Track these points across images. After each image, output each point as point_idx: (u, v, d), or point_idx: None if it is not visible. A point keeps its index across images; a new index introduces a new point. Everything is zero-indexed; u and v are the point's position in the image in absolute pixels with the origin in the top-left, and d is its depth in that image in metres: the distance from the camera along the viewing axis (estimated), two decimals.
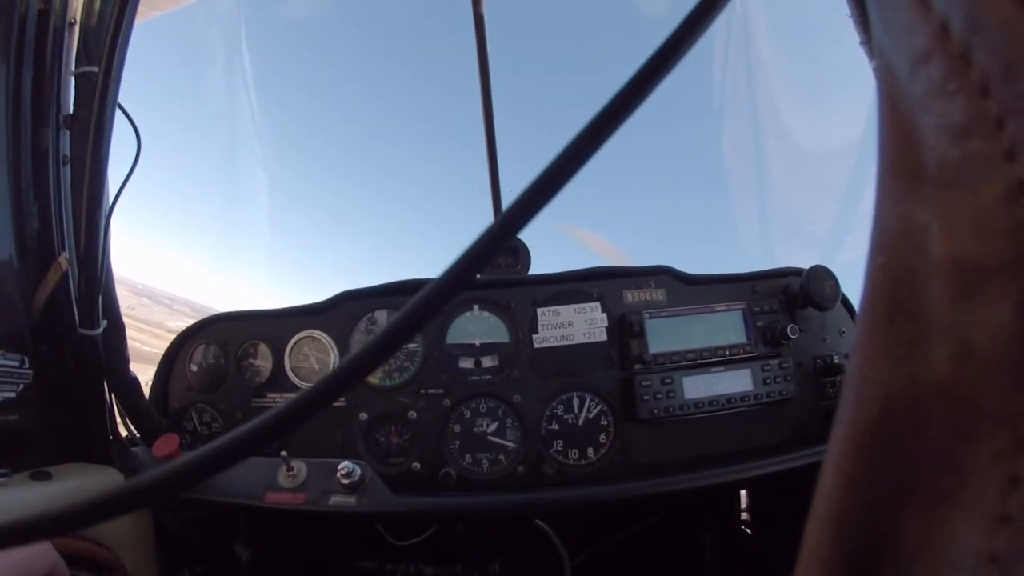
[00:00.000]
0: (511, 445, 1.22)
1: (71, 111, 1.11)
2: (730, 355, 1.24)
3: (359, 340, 1.30)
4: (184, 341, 1.39)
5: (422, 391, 1.25)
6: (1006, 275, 0.17)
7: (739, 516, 1.61)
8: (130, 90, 1.09)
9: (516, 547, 1.56)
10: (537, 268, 1.37)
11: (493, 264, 1.38)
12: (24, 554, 0.56)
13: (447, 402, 1.24)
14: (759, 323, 1.27)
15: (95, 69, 1.08)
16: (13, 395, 1.02)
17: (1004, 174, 0.17)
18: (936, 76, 0.19)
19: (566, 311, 1.27)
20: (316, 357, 1.30)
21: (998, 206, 0.17)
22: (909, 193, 0.21)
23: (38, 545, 0.59)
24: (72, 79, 1.11)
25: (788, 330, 1.22)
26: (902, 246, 0.21)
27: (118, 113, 1.08)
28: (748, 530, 1.58)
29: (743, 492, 1.58)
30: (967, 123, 0.18)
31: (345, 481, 1.07)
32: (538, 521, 1.32)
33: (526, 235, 1.36)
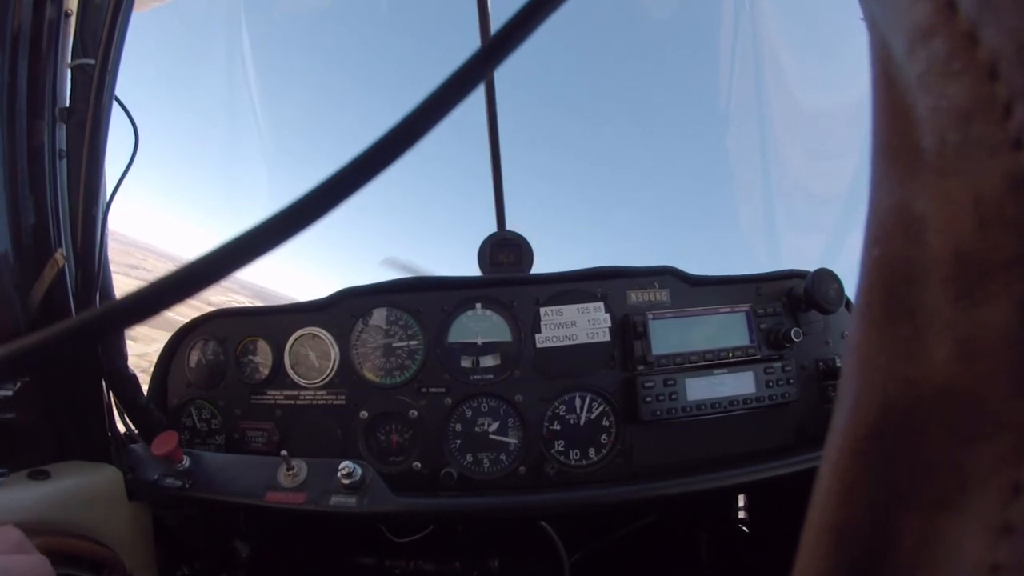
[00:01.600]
0: (512, 445, 1.22)
1: (67, 104, 1.09)
2: (733, 357, 1.24)
3: (359, 338, 1.29)
4: (183, 336, 1.38)
5: (423, 390, 1.25)
6: (1010, 271, 0.16)
7: (737, 516, 1.62)
8: (127, 82, 1.07)
9: (514, 545, 1.56)
10: (540, 267, 1.36)
11: (495, 262, 1.37)
12: (19, 568, 0.55)
13: (448, 401, 1.24)
14: (762, 325, 1.26)
15: (92, 61, 1.06)
16: (10, 393, 1.00)
17: (1010, 163, 0.16)
18: (938, 55, 0.17)
19: (569, 311, 1.27)
20: (316, 354, 1.29)
21: (1002, 197, 0.16)
22: (906, 179, 0.19)
23: (33, 559, 0.57)
24: (68, 71, 1.08)
25: (792, 333, 1.21)
26: (899, 236, 0.20)
27: (115, 106, 1.06)
28: (745, 529, 1.59)
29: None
30: (971, 106, 0.17)
31: (346, 481, 1.07)
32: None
33: (529, 234, 1.36)
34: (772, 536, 1.48)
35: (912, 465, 0.20)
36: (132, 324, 0.28)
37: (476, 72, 0.28)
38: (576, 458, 1.21)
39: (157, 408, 1.30)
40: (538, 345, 1.25)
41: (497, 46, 0.28)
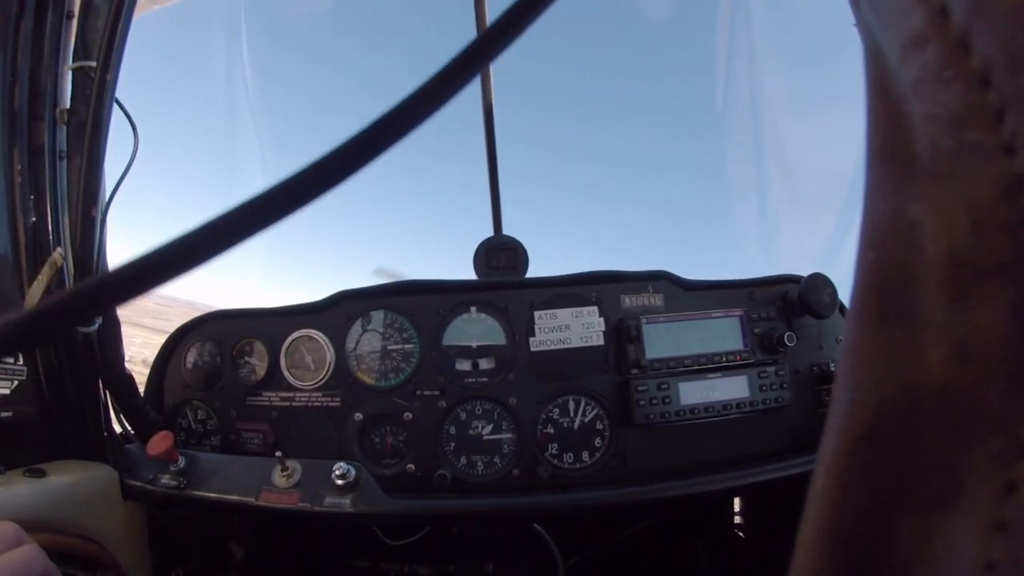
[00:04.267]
0: (506, 448, 1.22)
1: (68, 105, 1.10)
2: (727, 361, 1.24)
3: (354, 340, 1.29)
4: (180, 338, 1.38)
5: (418, 392, 1.25)
6: (1004, 274, 0.17)
7: (732, 520, 1.62)
8: (128, 84, 1.08)
9: (510, 548, 1.57)
10: (535, 271, 1.37)
11: (491, 266, 1.38)
12: (13, 561, 0.55)
13: (443, 404, 1.24)
14: (756, 330, 1.27)
15: (92, 63, 1.07)
16: (7, 391, 1.01)
17: (1002, 169, 0.16)
18: (931, 62, 0.18)
19: (563, 314, 1.27)
20: (312, 356, 1.30)
21: (995, 202, 0.16)
22: (900, 185, 0.20)
23: (28, 551, 0.58)
24: (69, 73, 1.10)
25: (785, 337, 1.21)
26: (893, 241, 0.20)
27: (116, 108, 1.07)
28: (741, 534, 1.59)
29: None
30: (963, 113, 0.17)
31: (340, 482, 1.07)
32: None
33: (524, 238, 1.37)
34: (768, 541, 1.48)
35: (908, 465, 0.20)
36: (121, 301, 0.27)
37: (471, 64, 0.28)
38: (570, 461, 1.22)
39: (153, 409, 1.30)
40: (532, 348, 1.26)
41: (493, 37, 0.28)
